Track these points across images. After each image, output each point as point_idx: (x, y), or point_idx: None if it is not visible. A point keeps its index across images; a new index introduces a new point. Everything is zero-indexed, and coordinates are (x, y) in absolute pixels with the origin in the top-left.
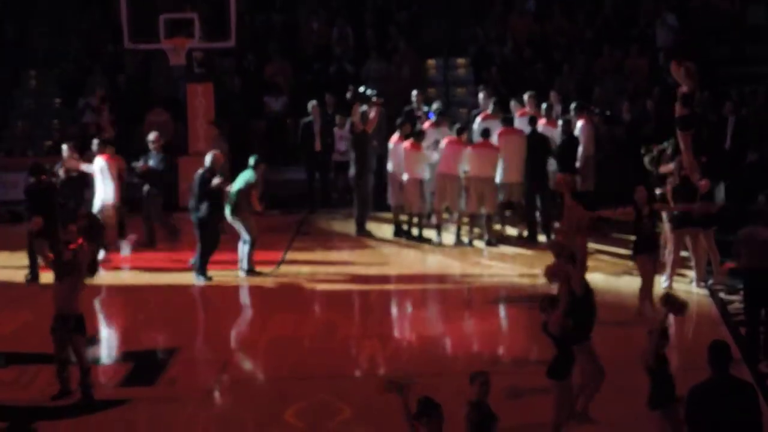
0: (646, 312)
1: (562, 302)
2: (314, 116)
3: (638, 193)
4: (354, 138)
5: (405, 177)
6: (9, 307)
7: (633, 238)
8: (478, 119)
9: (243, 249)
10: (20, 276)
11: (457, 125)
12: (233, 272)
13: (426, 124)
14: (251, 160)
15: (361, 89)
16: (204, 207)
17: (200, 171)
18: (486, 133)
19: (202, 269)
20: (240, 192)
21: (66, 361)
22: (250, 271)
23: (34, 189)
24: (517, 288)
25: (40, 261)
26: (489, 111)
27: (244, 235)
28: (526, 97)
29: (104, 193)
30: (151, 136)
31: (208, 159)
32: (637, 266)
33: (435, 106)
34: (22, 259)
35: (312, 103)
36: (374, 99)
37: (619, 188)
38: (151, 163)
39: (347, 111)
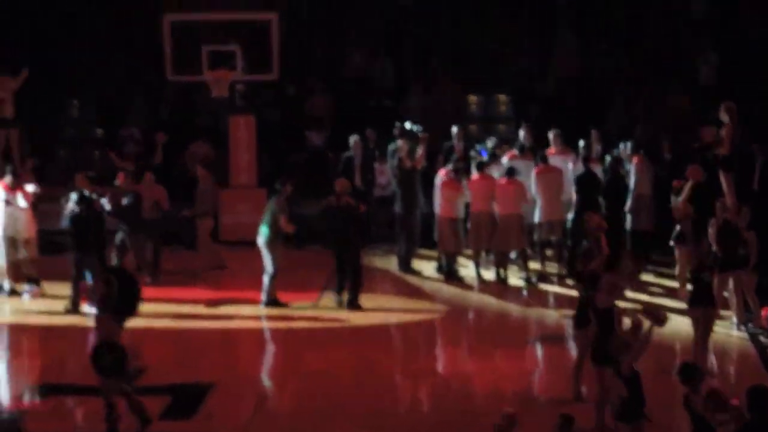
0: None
1: (635, 347)
2: (355, 151)
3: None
4: (402, 174)
5: (437, 213)
6: (49, 337)
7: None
8: (505, 158)
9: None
10: (60, 306)
11: (479, 161)
12: (279, 306)
13: None
14: (276, 185)
15: (408, 125)
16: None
17: (340, 203)
18: (511, 171)
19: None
20: (272, 220)
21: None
22: (271, 303)
23: (78, 217)
24: (557, 326)
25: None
26: (516, 152)
27: (268, 266)
28: (551, 135)
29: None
30: (119, 179)
31: (337, 186)
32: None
33: (490, 143)
34: (62, 289)
35: (354, 138)
36: (421, 135)
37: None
38: (124, 202)
39: (386, 146)
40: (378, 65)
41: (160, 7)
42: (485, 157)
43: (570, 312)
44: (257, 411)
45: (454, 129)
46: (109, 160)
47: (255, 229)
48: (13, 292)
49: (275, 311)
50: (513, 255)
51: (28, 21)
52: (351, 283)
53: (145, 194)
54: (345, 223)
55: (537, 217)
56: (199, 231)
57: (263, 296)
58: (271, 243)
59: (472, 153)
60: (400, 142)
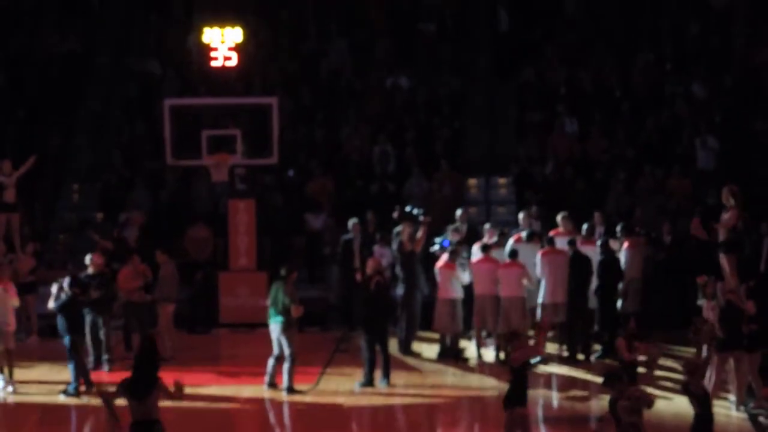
0: None
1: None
2: (354, 234)
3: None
4: (402, 257)
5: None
6: (47, 420)
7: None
8: (511, 241)
9: (274, 365)
10: (58, 389)
11: (484, 242)
12: (269, 388)
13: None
14: (282, 271)
15: (408, 208)
16: None
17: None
18: (513, 254)
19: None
20: (283, 307)
21: None
22: (291, 390)
23: (71, 301)
24: (557, 408)
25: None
26: (522, 236)
27: (286, 351)
28: (559, 218)
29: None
30: (88, 257)
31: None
32: None
33: (450, 235)
34: (60, 372)
35: (353, 221)
36: (421, 218)
37: (662, 312)
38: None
39: (389, 229)
40: (379, 149)
41: (160, 92)
42: (447, 248)
43: (573, 393)
44: None
45: (458, 212)
46: (105, 244)
47: (254, 311)
48: None
49: (274, 394)
50: None
51: (28, 107)
52: (385, 360)
53: (131, 274)
54: (386, 301)
55: (541, 299)
56: (160, 316)
57: (285, 381)
58: (287, 329)
59: (435, 247)
60: (402, 226)
